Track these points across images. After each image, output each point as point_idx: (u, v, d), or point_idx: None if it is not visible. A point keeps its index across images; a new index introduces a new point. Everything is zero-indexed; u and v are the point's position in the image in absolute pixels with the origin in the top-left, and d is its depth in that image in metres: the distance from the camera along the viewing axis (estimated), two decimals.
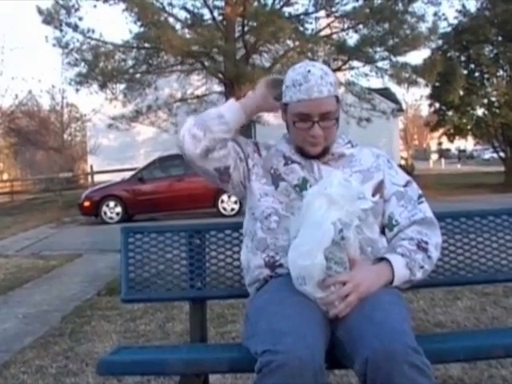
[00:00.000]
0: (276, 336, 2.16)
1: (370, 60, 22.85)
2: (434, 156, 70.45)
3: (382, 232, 2.66)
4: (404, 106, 49.05)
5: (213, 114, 2.62)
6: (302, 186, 2.60)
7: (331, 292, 2.31)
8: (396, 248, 2.55)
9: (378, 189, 2.66)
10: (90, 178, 28.35)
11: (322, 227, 2.30)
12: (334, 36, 23.16)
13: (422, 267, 2.53)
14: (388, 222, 2.65)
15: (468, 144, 61.89)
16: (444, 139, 31.78)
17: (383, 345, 2.10)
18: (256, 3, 22.49)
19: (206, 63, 22.14)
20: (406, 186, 2.71)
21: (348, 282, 2.32)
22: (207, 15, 22.99)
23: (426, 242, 2.57)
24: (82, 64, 22.27)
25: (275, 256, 2.56)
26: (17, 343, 5.16)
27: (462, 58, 26.83)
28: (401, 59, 22.88)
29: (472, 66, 26.59)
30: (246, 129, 27.54)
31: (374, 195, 2.63)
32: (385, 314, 2.26)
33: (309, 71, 2.57)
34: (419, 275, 2.53)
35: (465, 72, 26.13)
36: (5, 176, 45.05)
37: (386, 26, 21.84)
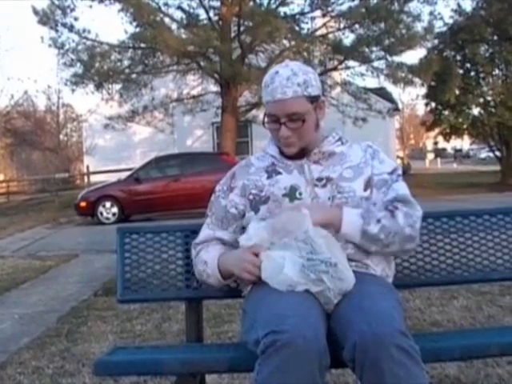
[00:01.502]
0: (279, 318, 2.17)
1: (365, 60, 22.88)
2: (430, 155, 70.55)
3: None
4: (400, 106, 49.02)
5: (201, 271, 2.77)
6: (292, 195, 2.60)
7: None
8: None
9: (369, 183, 2.65)
10: (86, 178, 28.31)
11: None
12: (330, 36, 23.19)
13: (378, 221, 2.51)
14: None
15: (464, 143, 62.01)
16: (440, 138, 31.81)
17: (371, 328, 2.12)
18: (252, 3, 22.52)
19: (202, 63, 22.15)
20: (391, 173, 2.69)
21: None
22: (203, 15, 23.04)
23: (396, 207, 2.57)
24: (78, 64, 22.26)
25: None
26: (13, 344, 5.15)
27: (458, 58, 26.86)
28: (397, 59, 22.96)
29: (468, 65, 26.62)
30: (242, 129, 27.59)
31: (365, 190, 2.63)
32: (373, 301, 2.27)
33: (277, 72, 2.58)
34: (375, 229, 2.51)
35: (460, 71, 26.16)
36: (1, 177, 44.97)
37: (382, 25, 21.88)
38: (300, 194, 2.59)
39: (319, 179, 2.61)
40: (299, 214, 2.44)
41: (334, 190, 2.59)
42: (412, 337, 2.18)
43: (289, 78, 2.55)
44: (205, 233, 2.79)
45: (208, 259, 2.70)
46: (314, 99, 2.60)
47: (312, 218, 2.40)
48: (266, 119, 2.64)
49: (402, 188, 2.67)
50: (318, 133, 2.68)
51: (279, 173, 2.66)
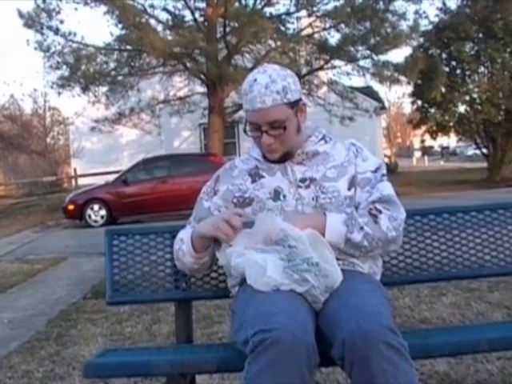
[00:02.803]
0: (267, 317, 2.17)
1: (351, 59, 22.90)
2: (418, 153, 70.55)
3: None
4: (386, 104, 49.09)
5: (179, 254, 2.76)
6: (276, 198, 2.60)
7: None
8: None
9: (353, 182, 2.65)
10: (73, 181, 28.27)
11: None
12: (316, 35, 23.20)
13: (361, 228, 2.51)
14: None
15: (451, 141, 62.02)
16: (427, 136, 31.81)
17: (359, 325, 2.13)
18: (237, 4, 22.49)
19: (188, 64, 22.12)
20: (375, 171, 2.70)
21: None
22: (188, 16, 23.00)
23: (379, 211, 2.57)
24: (64, 67, 22.18)
25: None
26: (2, 348, 5.14)
27: (444, 56, 26.89)
28: (382, 57, 22.97)
29: (453, 63, 26.65)
30: (229, 129, 27.59)
31: (349, 189, 2.63)
32: (361, 299, 2.28)
33: (255, 80, 2.55)
34: (358, 236, 2.51)
35: (446, 69, 26.19)
36: None
37: (368, 24, 21.89)
38: (284, 196, 2.59)
39: (302, 180, 2.62)
40: (268, 215, 2.48)
41: (317, 190, 2.59)
42: (401, 334, 2.19)
43: (267, 86, 2.52)
44: (186, 231, 2.78)
45: (184, 236, 2.74)
46: (294, 104, 2.58)
47: (295, 226, 2.41)
48: (247, 127, 2.64)
49: (386, 188, 2.67)
50: (300, 136, 2.67)
51: (262, 176, 2.67)
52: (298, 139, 2.66)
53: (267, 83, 2.52)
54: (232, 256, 2.45)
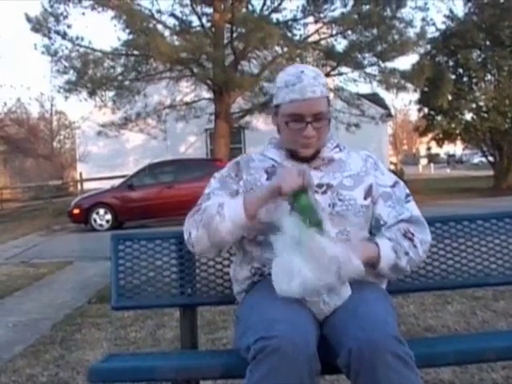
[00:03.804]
0: (269, 324, 2.17)
1: (358, 66, 22.90)
2: (424, 161, 70.62)
3: (370, 234, 2.67)
4: (393, 112, 49.07)
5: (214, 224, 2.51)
6: (290, 200, 2.51)
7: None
8: (384, 233, 2.59)
9: (369, 192, 2.65)
10: (79, 185, 28.27)
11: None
12: (323, 42, 23.21)
13: (407, 253, 2.54)
14: (375, 224, 2.66)
15: (457, 148, 62.03)
16: (433, 144, 31.82)
17: (366, 335, 2.12)
18: (244, 10, 22.53)
19: (195, 70, 22.13)
20: (393, 186, 2.71)
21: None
22: (196, 22, 23.03)
23: (413, 234, 2.58)
24: (71, 71, 22.21)
25: (262, 268, 2.56)
26: (7, 352, 5.14)
27: (450, 63, 26.89)
28: (389, 65, 22.98)
29: (460, 70, 26.65)
30: (235, 135, 27.60)
31: (365, 198, 2.63)
32: (368, 308, 2.28)
33: (302, 72, 2.57)
34: (404, 262, 2.54)
35: (453, 77, 26.18)
36: None
37: (375, 31, 21.90)
38: None
39: (319, 185, 2.60)
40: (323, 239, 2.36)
41: (334, 197, 2.59)
42: (406, 342, 2.19)
43: (315, 78, 2.56)
44: (213, 200, 2.60)
45: (224, 201, 2.54)
46: (329, 101, 2.64)
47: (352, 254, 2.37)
48: (284, 119, 2.60)
49: (414, 209, 2.69)
50: (327, 136, 2.70)
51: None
52: (326, 139, 2.69)
53: (315, 75, 2.57)
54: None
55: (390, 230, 2.60)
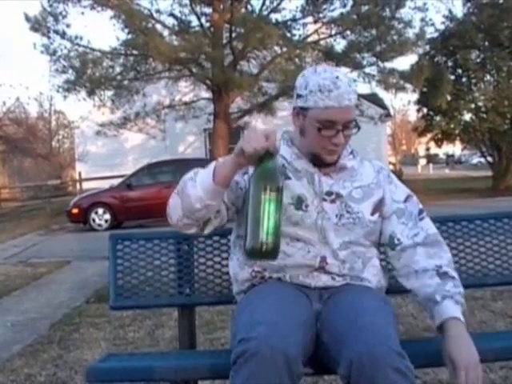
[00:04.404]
0: (251, 325, 2.16)
1: (357, 66, 22.89)
2: (423, 161, 70.56)
3: (377, 249, 2.65)
4: (392, 112, 49.07)
5: (191, 197, 2.39)
6: (297, 206, 2.50)
7: None
8: (433, 295, 2.48)
9: (378, 207, 2.60)
10: (78, 185, 28.27)
11: None
12: (322, 42, 23.21)
13: (459, 293, 2.50)
14: (389, 242, 2.60)
15: (456, 149, 61.99)
16: (432, 144, 31.87)
17: (367, 347, 2.10)
18: (243, 10, 22.54)
19: (194, 70, 22.13)
20: (405, 201, 2.64)
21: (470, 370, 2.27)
22: (195, 22, 23.02)
23: (440, 266, 2.52)
24: (70, 71, 22.21)
25: (262, 271, 2.53)
26: (5, 351, 5.14)
27: (449, 64, 26.91)
28: (388, 65, 22.96)
29: (459, 71, 26.67)
30: (234, 135, 27.59)
31: (373, 214, 2.58)
32: (370, 318, 2.25)
33: (337, 77, 2.45)
34: (463, 300, 2.51)
35: (452, 77, 26.21)
36: None
37: (374, 31, 21.91)
38: (306, 206, 2.50)
39: (328, 193, 2.54)
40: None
41: (342, 208, 2.53)
42: (401, 342, 2.18)
43: (350, 85, 2.47)
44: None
45: (199, 169, 2.47)
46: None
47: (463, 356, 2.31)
48: (316, 124, 2.48)
49: (430, 227, 2.63)
50: None
51: (288, 177, 2.54)
52: None
53: (349, 82, 2.48)
54: None
55: (419, 273, 2.53)
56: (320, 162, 2.56)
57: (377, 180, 2.65)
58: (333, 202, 2.53)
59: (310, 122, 2.50)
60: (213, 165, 2.40)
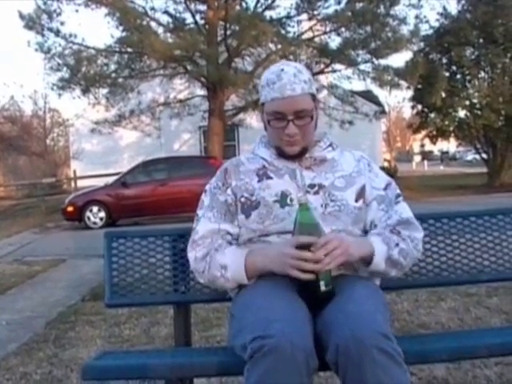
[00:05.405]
0: (265, 323, 2.15)
1: (352, 63, 22.94)
2: (417, 158, 70.61)
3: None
4: (386, 109, 49.12)
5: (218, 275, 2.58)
6: (283, 202, 2.56)
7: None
8: (372, 232, 2.61)
9: (361, 194, 2.64)
10: (73, 183, 28.22)
11: None
12: (316, 39, 23.25)
13: (397, 245, 2.54)
14: (370, 228, 2.66)
15: (451, 146, 62.07)
16: (427, 141, 31.89)
17: (352, 331, 2.11)
18: (238, 7, 22.56)
19: (189, 67, 22.15)
20: (386, 188, 2.70)
21: (334, 240, 2.35)
22: (189, 19, 23.06)
23: (399, 231, 2.59)
24: (65, 69, 22.22)
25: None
26: (0, 350, 5.13)
27: (444, 61, 26.94)
28: (383, 62, 23.06)
29: (454, 68, 26.70)
30: (229, 132, 27.60)
31: (357, 201, 2.62)
32: (357, 305, 2.26)
33: (282, 70, 2.57)
34: (396, 253, 2.53)
35: (446, 74, 26.23)
36: None
37: (368, 28, 21.96)
38: (291, 200, 2.55)
39: (311, 186, 2.59)
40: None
41: (326, 197, 2.58)
42: (399, 339, 2.18)
43: (295, 75, 2.55)
44: (207, 227, 2.64)
45: (228, 262, 2.54)
46: (314, 97, 2.62)
47: (352, 252, 2.41)
48: (267, 117, 2.61)
49: (404, 210, 2.68)
50: (314, 133, 2.69)
51: (270, 177, 2.63)
52: (313, 136, 2.68)
53: (295, 73, 2.56)
54: None
55: (377, 229, 2.62)
56: (284, 155, 2.65)
57: (358, 169, 2.71)
58: (316, 193, 2.59)
59: (266, 116, 2.63)
60: (243, 264, 2.52)
